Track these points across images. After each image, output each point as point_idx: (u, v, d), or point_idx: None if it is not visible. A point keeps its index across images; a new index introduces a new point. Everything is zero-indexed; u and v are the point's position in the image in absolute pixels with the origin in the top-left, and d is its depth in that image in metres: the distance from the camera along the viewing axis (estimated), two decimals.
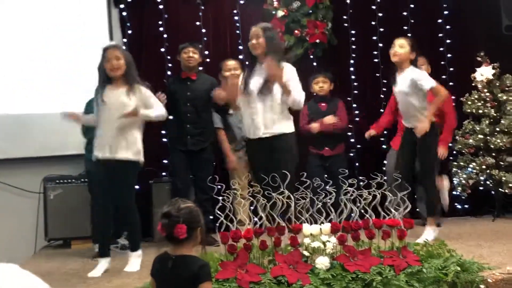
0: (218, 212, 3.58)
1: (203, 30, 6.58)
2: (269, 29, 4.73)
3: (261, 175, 4.11)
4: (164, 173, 6.17)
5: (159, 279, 2.66)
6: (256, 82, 4.59)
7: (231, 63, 5.81)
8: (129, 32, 6.49)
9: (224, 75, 5.80)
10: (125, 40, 6.47)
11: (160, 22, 6.53)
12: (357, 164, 6.52)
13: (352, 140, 6.55)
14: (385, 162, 6.15)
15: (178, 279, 2.53)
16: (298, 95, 4.60)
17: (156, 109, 4.57)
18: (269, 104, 4.57)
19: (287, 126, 4.64)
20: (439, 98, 5.04)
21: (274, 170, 4.16)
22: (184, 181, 5.62)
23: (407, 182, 4.84)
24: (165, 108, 5.28)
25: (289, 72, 4.61)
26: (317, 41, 6.54)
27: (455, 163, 6.35)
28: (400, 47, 5.10)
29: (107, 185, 4.39)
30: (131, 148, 4.41)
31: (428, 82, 4.99)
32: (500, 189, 6.06)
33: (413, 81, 5.02)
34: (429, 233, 4.94)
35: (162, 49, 6.48)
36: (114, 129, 4.36)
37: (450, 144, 6.55)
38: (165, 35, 6.52)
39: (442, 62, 6.83)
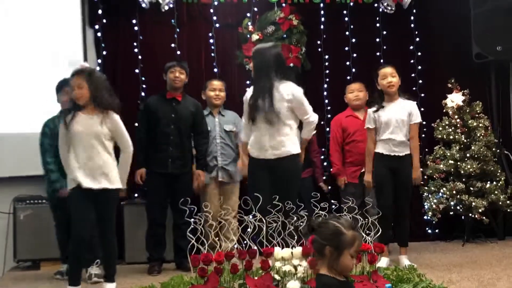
0: (189, 235, 3.58)
1: (178, 52, 6.60)
2: (267, 48, 4.78)
3: (259, 195, 4.06)
4: (136, 195, 6.13)
5: None
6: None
7: (217, 83, 5.86)
8: (104, 53, 6.48)
9: (208, 94, 5.83)
10: (99, 60, 6.46)
11: (135, 44, 6.53)
12: (329, 187, 6.53)
13: (325, 163, 6.58)
14: None
15: None
16: (313, 120, 4.82)
17: (127, 152, 4.52)
18: (276, 127, 4.59)
19: (294, 147, 4.65)
20: (416, 140, 5.35)
21: (278, 190, 4.29)
22: (161, 207, 5.52)
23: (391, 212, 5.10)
24: (146, 129, 5.43)
25: (297, 100, 4.66)
26: (291, 65, 6.58)
27: (426, 188, 6.41)
28: (393, 76, 5.22)
29: (86, 213, 4.27)
30: (110, 176, 4.33)
31: (420, 118, 5.30)
32: (470, 214, 6.12)
33: (412, 111, 5.25)
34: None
35: (137, 70, 6.48)
36: (89, 158, 4.27)
37: (421, 169, 6.63)
38: (140, 57, 6.52)
39: (414, 88, 6.91)
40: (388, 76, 5.21)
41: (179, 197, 5.26)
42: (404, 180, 5.22)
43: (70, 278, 4.30)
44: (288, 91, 4.60)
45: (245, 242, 3.74)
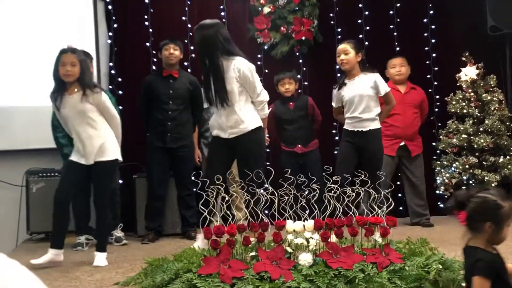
0: (202, 207, 3.57)
1: (189, 25, 6.56)
2: (202, 27, 4.54)
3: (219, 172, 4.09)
4: None
5: None
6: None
7: None
8: (115, 25, 6.45)
9: None
10: (110, 33, 6.44)
11: (146, 17, 6.50)
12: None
13: (336, 138, 6.56)
14: None
15: (465, 270, 2.57)
16: (262, 99, 4.58)
17: (114, 123, 4.58)
18: (230, 107, 4.46)
19: (252, 122, 4.50)
20: (391, 106, 5.37)
21: (243, 167, 4.32)
22: (160, 180, 5.71)
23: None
24: (146, 107, 5.61)
25: (244, 76, 4.45)
26: (303, 38, 6.55)
27: (439, 162, 6.38)
28: (345, 54, 5.19)
29: (69, 179, 4.49)
30: (101, 149, 4.43)
31: (386, 87, 5.26)
32: None
33: (376, 83, 5.20)
34: None
35: (148, 44, 6.45)
36: (79, 137, 4.43)
37: (433, 144, 6.61)
38: (150, 30, 6.50)
39: (427, 62, 6.86)
40: (341, 54, 5.21)
41: (181, 169, 5.41)
42: (368, 156, 5.20)
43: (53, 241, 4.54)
44: (235, 67, 4.42)
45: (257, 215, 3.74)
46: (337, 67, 6.70)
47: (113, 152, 4.48)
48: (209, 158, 4.87)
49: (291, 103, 6.05)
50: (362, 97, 5.16)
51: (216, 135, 4.60)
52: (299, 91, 6.36)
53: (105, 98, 4.51)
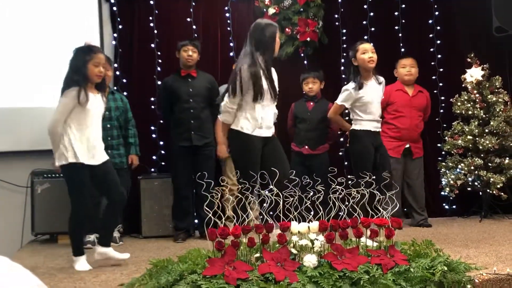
0: (206, 209, 3.57)
1: (194, 27, 6.57)
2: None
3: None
4: (153, 169, 6.15)
5: None
6: None
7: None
8: (120, 27, 6.45)
9: None
10: (115, 35, 6.44)
11: (150, 18, 6.49)
12: (346, 163, 6.52)
13: (341, 139, 6.55)
14: None
15: None
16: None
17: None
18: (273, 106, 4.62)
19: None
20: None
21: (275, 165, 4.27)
22: (186, 179, 5.72)
23: None
24: (167, 109, 5.77)
25: None
26: (308, 39, 6.54)
27: (444, 164, 6.37)
28: (373, 52, 5.09)
29: (89, 187, 4.36)
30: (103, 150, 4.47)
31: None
32: (487, 190, 6.09)
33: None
34: None
35: (152, 45, 6.46)
36: (98, 135, 4.39)
37: (439, 145, 6.60)
38: (155, 31, 6.50)
39: (432, 63, 6.85)
40: (369, 52, 5.05)
41: (201, 168, 5.37)
42: (382, 154, 5.20)
43: (78, 249, 4.44)
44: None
45: (261, 216, 3.74)
46: (342, 68, 6.73)
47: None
48: (253, 159, 4.50)
49: (311, 103, 6.04)
50: (378, 100, 5.18)
51: (258, 134, 4.46)
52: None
53: None
